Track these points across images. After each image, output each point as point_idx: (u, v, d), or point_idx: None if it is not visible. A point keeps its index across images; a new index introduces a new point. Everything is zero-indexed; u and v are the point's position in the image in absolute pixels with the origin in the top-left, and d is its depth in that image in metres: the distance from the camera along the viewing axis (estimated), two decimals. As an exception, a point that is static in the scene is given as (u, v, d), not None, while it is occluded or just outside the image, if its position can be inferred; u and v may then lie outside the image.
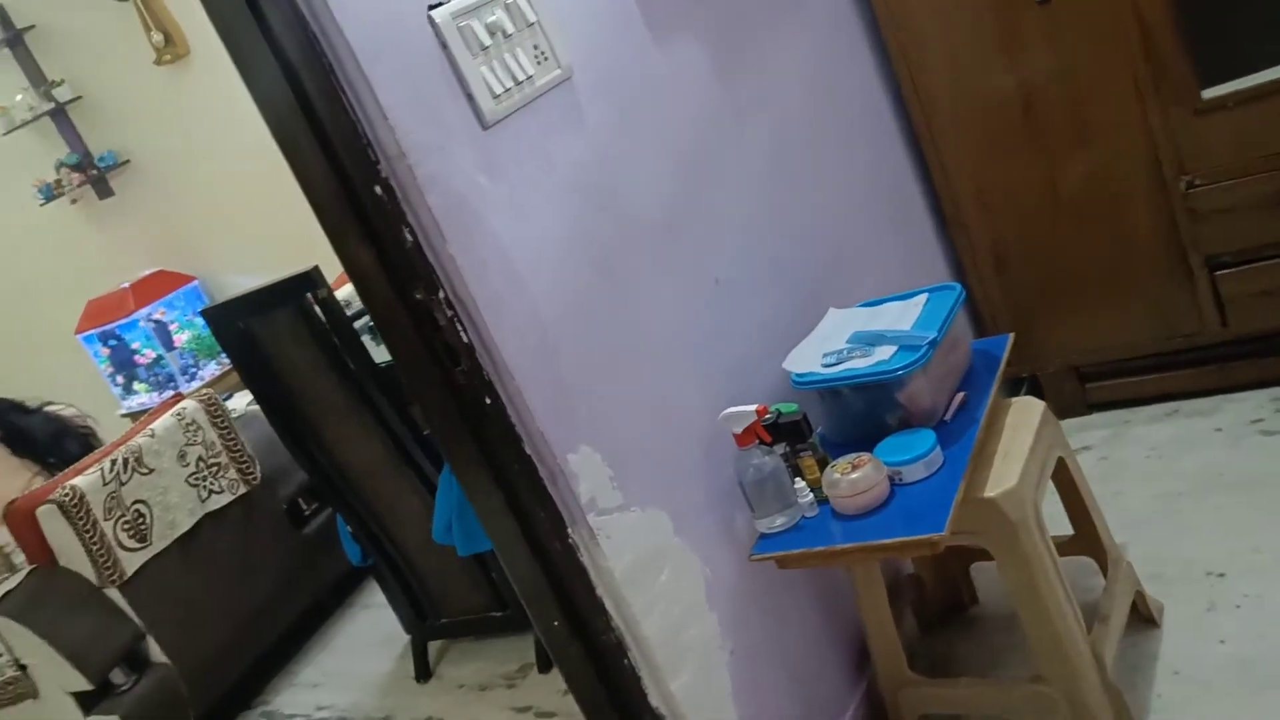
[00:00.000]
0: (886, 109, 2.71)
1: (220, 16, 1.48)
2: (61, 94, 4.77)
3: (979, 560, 2.35)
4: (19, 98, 4.84)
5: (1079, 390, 2.86)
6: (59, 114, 4.84)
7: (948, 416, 1.92)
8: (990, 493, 1.78)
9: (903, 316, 1.99)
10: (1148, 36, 2.36)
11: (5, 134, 4.94)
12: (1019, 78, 2.54)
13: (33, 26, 4.71)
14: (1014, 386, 2.90)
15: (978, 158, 2.68)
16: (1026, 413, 1.99)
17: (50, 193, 5.01)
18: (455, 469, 1.68)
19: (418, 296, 1.50)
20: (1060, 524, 2.10)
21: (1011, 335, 2.11)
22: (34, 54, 4.82)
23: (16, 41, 4.75)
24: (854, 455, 1.81)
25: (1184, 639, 2.08)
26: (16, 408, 3.23)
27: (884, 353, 1.88)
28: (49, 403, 3.36)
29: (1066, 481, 2.06)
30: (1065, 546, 2.09)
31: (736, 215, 2.08)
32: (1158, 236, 2.56)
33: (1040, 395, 2.79)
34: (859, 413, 1.91)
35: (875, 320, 2.02)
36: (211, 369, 4.96)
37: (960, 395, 1.96)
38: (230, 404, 3.66)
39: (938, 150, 2.71)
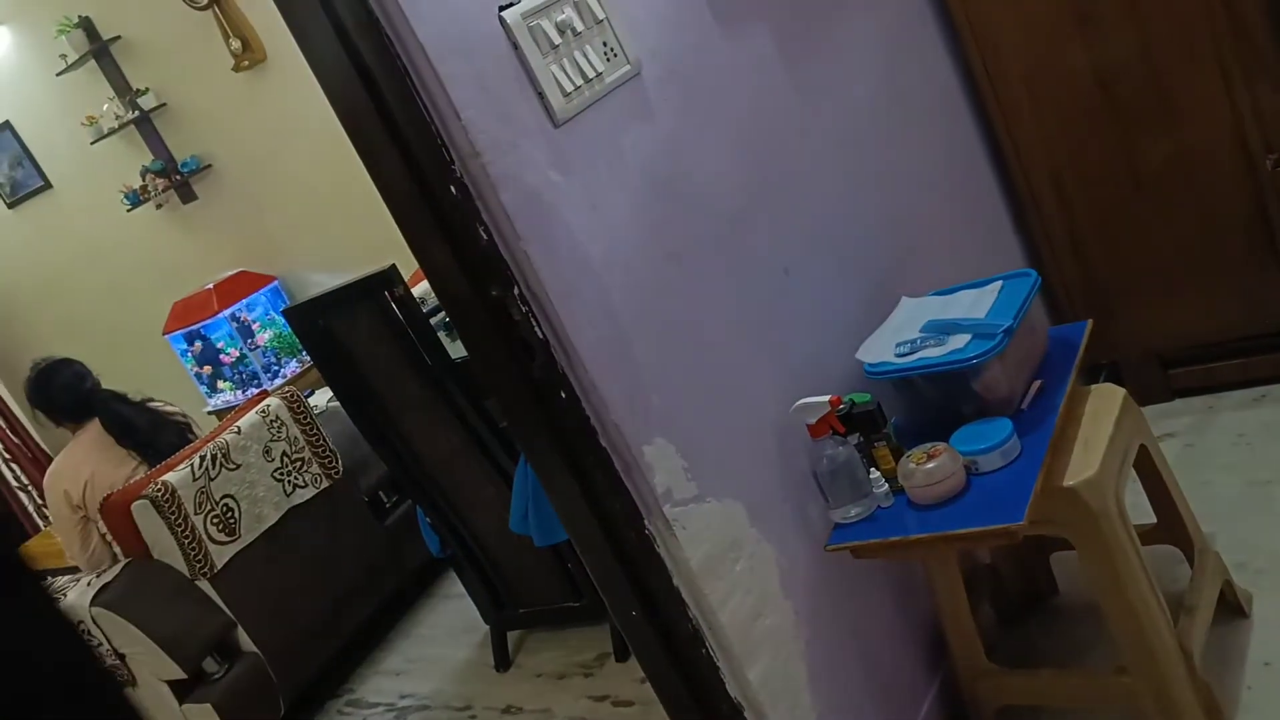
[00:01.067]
0: (957, 91, 2.68)
1: (296, 22, 1.53)
2: (146, 102, 4.92)
3: (1059, 550, 2.32)
4: (106, 107, 4.99)
5: (1162, 376, 2.80)
6: (144, 121, 4.99)
7: (1025, 405, 1.90)
8: (1070, 481, 1.76)
9: (977, 304, 1.97)
10: (1233, 11, 2.30)
11: (94, 143, 5.10)
12: (1095, 56, 2.49)
13: (118, 38, 4.86)
14: (1093, 373, 2.84)
15: (1054, 139, 2.63)
16: (1106, 400, 1.95)
17: (137, 198, 5.17)
18: (532, 462, 1.71)
19: (493, 293, 1.52)
20: (1144, 513, 2.06)
21: (1090, 321, 2.08)
22: (120, 64, 4.97)
23: (103, 53, 4.90)
24: (929, 445, 1.80)
25: (1274, 630, 2.03)
26: (121, 399, 3.35)
27: (958, 341, 1.86)
28: (150, 398, 3.48)
29: (1149, 470, 2.03)
30: (1149, 536, 2.05)
31: (806, 204, 2.07)
32: (1244, 217, 2.49)
33: (1121, 382, 2.73)
34: (933, 402, 1.90)
35: (949, 308, 2.00)
36: (293, 366, 5.08)
37: (1037, 383, 1.94)
38: (312, 400, 3.75)
39: (1011, 133, 2.67)
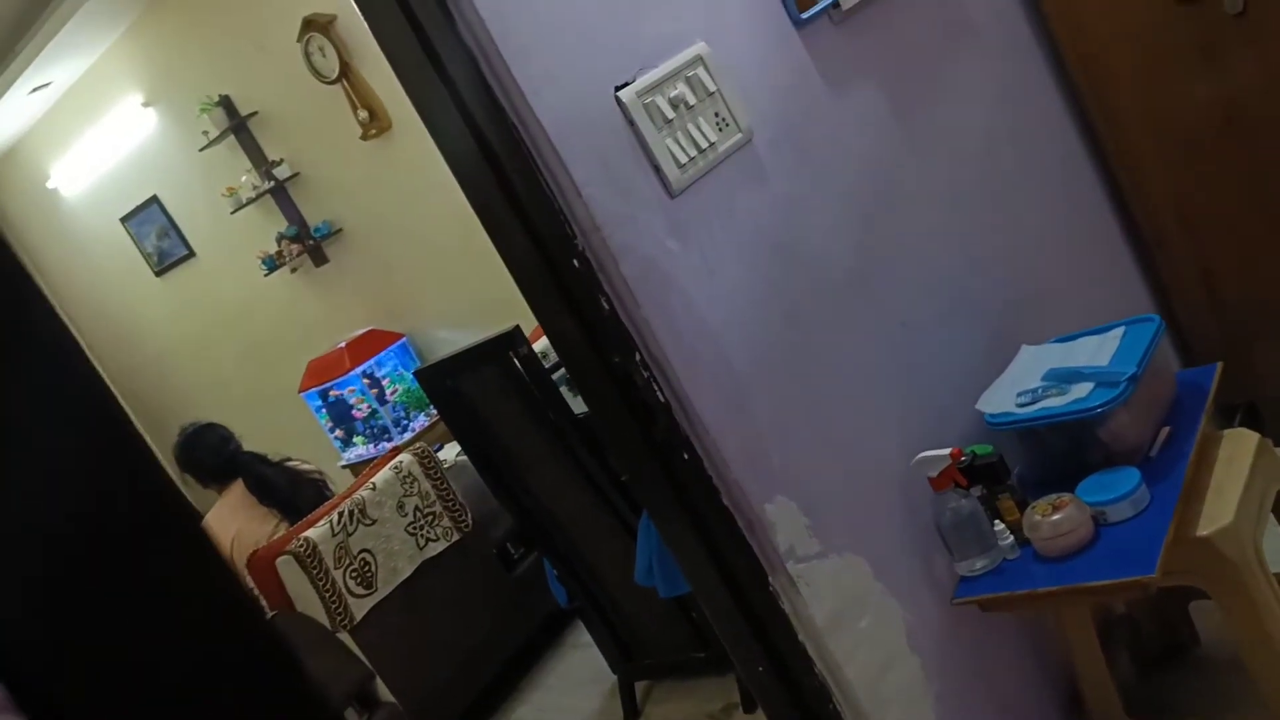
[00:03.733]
0: (1073, 132, 2.66)
1: (426, 111, 1.63)
2: (281, 172, 5.19)
3: (1199, 598, 2.25)
4: (244, 178, 5.29)
5: (1303, 416, 2.70)
6: (279, 190, 5.26)
7: (1153, 452, 1.87)
8: (1204, 531, 1.72)
9: (1099, 351, 1.95)
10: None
11: (233, 212, 5.40)
12: (1218, 89, 2.44)
13: (255, 113, 5.15)
14: (1229, 415, 2.76)
15: (1178, 175, 2.58)
16: (1241, 444, 1.91)
17: (273, 263, 5.44)
18: (656, 521, 1.76)
19: (616, 360, 1.59)
20: (1286, 560, 1.99)
21: (1220, 364, 2.03)
22: (256, 138, 5.26)
23: (241, 128, 5.20)
24: (1054, 496, 1.79)
25: None
26: (262, 460, 3.53)
27: (1081, 390, 1.85)
28: (288, 457, 3.66)
29: (1291, 516, 1.96)
30: (1293, 584, 1.98)
31: (921, 256, 2.09)
32: (1384, 249, 2.40)
33: (1259, 424, 2.64)
34: (1058, 452, 1.89)
35: (1070, 356, 1.99)
36: (421, 420, 5.25)
37: (1165, 429, 1.91)
38: (441, 455, 3.88)
39: (1132, 171, 2.63)
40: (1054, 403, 1.86)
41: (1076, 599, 1.77)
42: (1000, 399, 1.96)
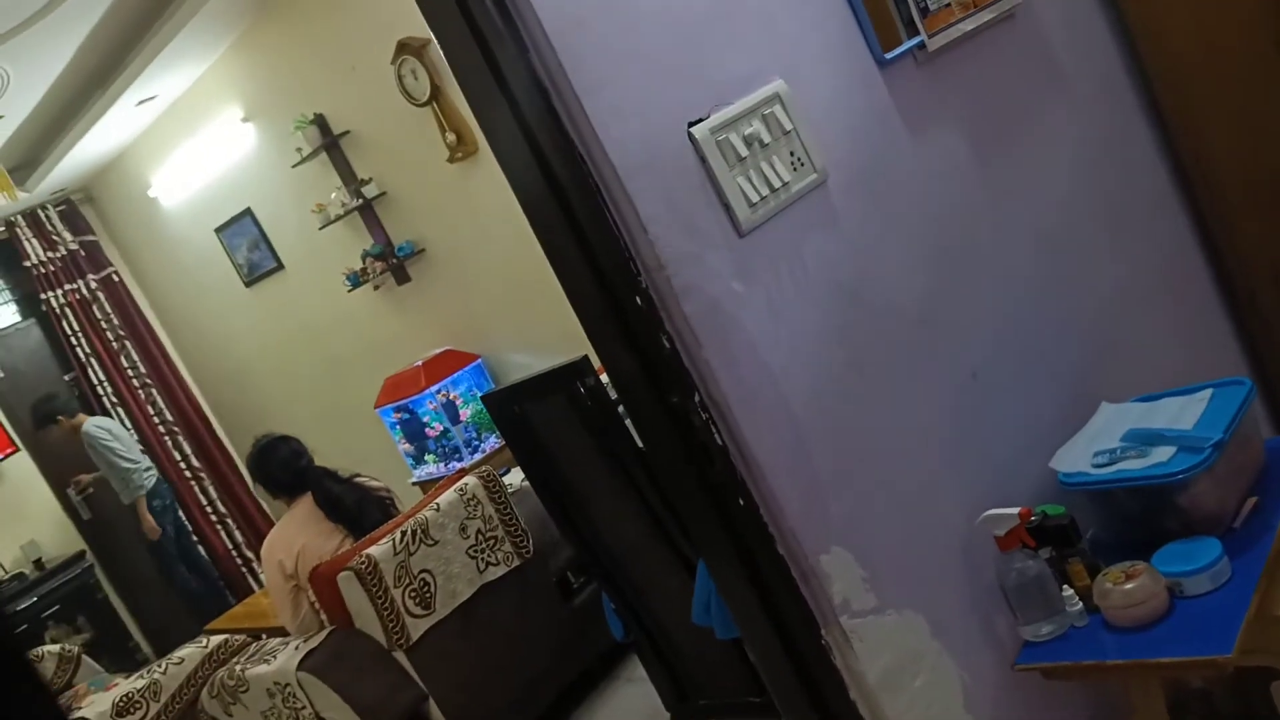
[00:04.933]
0: (1168, 186, 2.57)
1: (493, 134, 1.63)
2: (369, 191, 5.28)
3: (1281, 678, 2.14)
4: (333, 195, 5.40)
5: (1404, 488, 2.56)
6: (366, 209, 5.36)
7: (1237, 524, 1.78)
8: (1288, 611, 1.63)
9: (1183, 413, 1.87)
10: None
11: (321, 228, 5.52)
12: (1320, 147, 2.34)
13: (347, 132, 5.26)
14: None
15: (1274, 231, 2.47)
16: (1332, 520, 1.81)
17: (357, 280, 5.53)
18: (709, 565, 1.72)
19: (675, 400, 1.56)
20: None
21: (1314, 434, 1.94)
22: (347, 156, 5.37)
23: (333, 146, 5.31)
24: (1128, 563, 1.71)
25: None
26: (332, 476, 3.57)
27: (1162, 454, 1.77)
28: (357, 474, 3.69)
29: (1384, 599, 1.85)
30: (1385, 672, 1.87)
31: (996, 305, 2.03)
32: None
33: (1356, 494, 2.51)
34: (1134, 517, 1.81)
35: (1152, 417, 1.91)
36: (492, 441, 5.28)
37: (1252, 500, 1.82)
38: (507, 479, 3.88)
39: (1228, 229, 2.53)
40: (1133, 465, 1.78)
41: (1147, 674, 1.69)
42: (1075, 458, 1.89)
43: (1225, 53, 2.37)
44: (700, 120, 1.62)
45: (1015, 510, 1.75)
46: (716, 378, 1.55)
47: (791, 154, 1.72)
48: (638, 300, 1.54)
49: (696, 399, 1.56)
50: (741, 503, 1.58)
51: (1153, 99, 2.52)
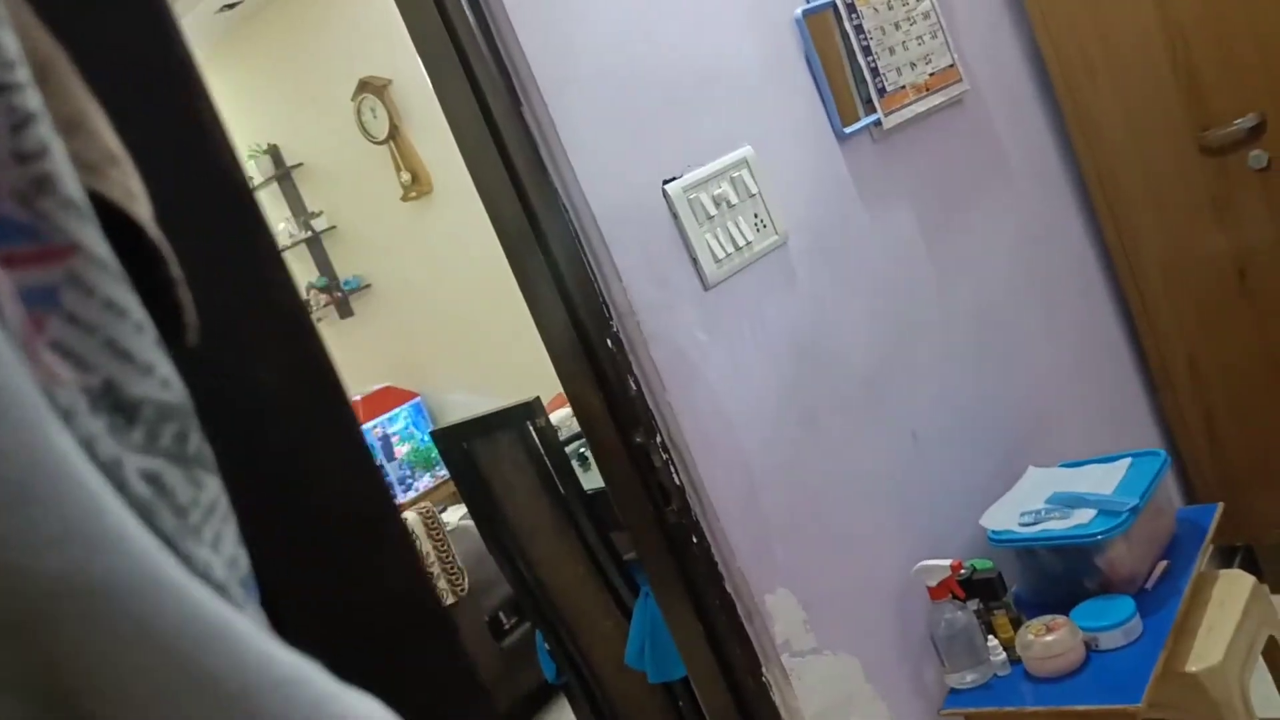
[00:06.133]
0: (1096, 272, 2.74)
1: (480, 178, 1.71)
2: (319, 224, 5.31)
3: (1183, 737, 2.26)
4: (282, 226, 5.41)
5: (1300, 565, 2.73)
6: (314, 241, 5.38)
7: (1149, 585, 1.90)
8: (1193, 668, 1.76)
9: (1105, 480, 2.00)
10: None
11: (267, 257, 5.52)
12: (1235, 243, 2.53)
13: (300, 164, 5.30)
14: (1229, 556, 2.79)
15: (1190, 323, 2.65)
16: (1235, 586, 1.95)
17: (300, 311, 5.54)
18: (659, 599, 1.80)
19: (637, 440, 1.65)
20: (1274, 706, 2.02)
21: (1220, 505, 2.08)
22: (299, 188, 5.40)
23: (285, 177, 5.34)
24: (1049, 617, 1.82)
25: None
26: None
27: (1083, 516, 1.89)
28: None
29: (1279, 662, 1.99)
30: (1277, 731, 2.00)
31: (936, 372, 2.15)
32: (1387, 410, 2.46)
33: (1256, 567, 2.68)
34: (1056, 574, 1.93)
35: (1076, 482, 2.04)
36: (426, 481, 5.29)
37: (1163, 564, 1.95)
38: (444, 516, 3.91)
39: (1148, 314, 2.70)
40: (1056, 525, 1.90)
41: (1063, 722, 1.79)
42: (1004, 517, 2.00)
43: (1150, 147, 2.55)
44: (674, 179, 1.73)
45: (947, 562, 1.86)
46: (679, 421, 1.64)
47: (755, 215, 1.83)
48: (609, 343, 1.62)
49: (658, 440, 1.64)
50: (695, 540, 1.66)
51: (1085, 188, 2.70)
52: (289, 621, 0.46)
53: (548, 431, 2.81)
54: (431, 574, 3.44)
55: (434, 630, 0.58)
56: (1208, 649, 1.79)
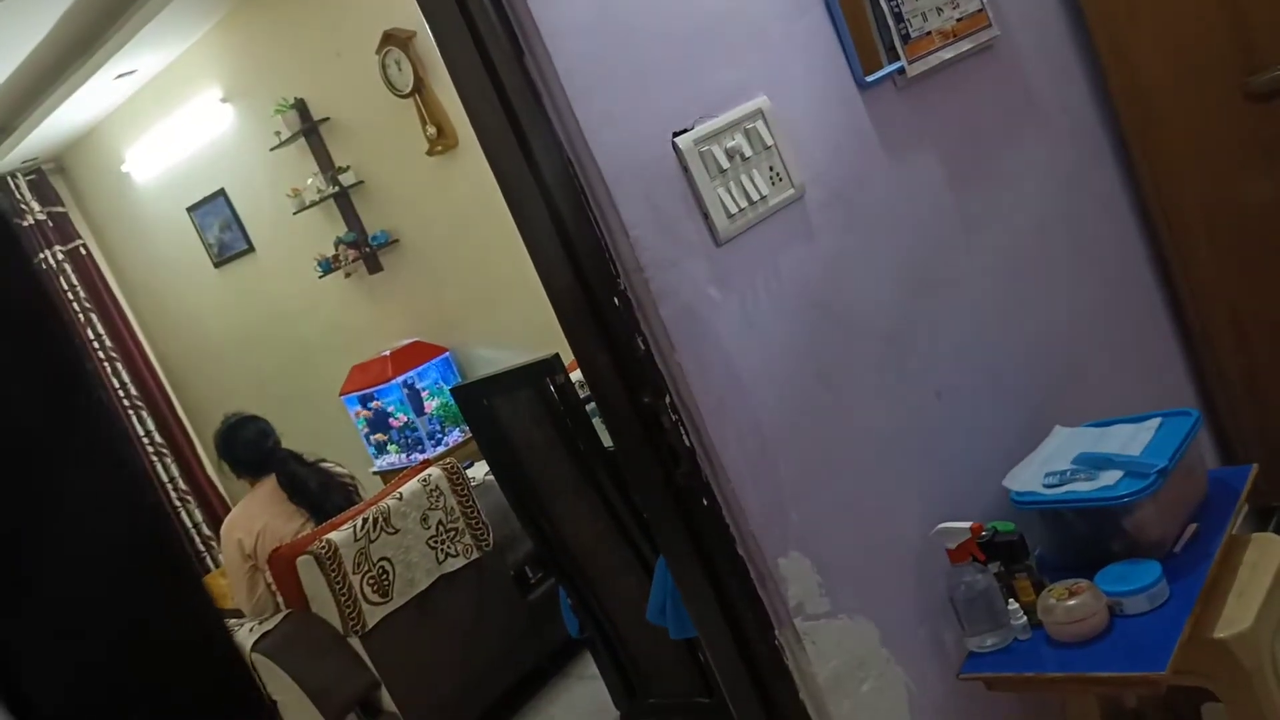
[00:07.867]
0: (1131, 223, 2.65)
1: (484, 131, 1.66)
2: (346, 179, 5.29)
3: (1211, 700, 2.21)
4: (310, 181, 5.39)
5: (1340, 526, 2.65)
6: (342, 197, 5.36)
7: (1177, 548, 1.85)
8: (1221, 634, 1.70)
9: (1133, 440, 1.94)
10: None
11: (295, 213, 5.51)
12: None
13: (327, 119, 5.26)
14: (1265, 519, 2.72)
15: (1232, 276, 2.56)
16: (1268, 549, 1.88)
17: (328, 266, 5.53)
18: (670, 563, 1.77)
19: (646, 400, 1.61)
20: (1305, 673, 1.96)
21: (1255, 466, 2.01)
22: (326, 143, 5.37)
23: (312, 132, 5.31)
24: (1072, 581, 1.77)
25: None
26: (297, 459, 3.59)
27: (1110, 477, 1.84)
28: (322, 459, 3.70)
29: (1313, 628, 1.93)
30: (1309, 698, 1.94)
31: (962, 328, 2.09)
32: None
33: (1294, 528, 2.61)
34: (1080, 537, 1.87)
35: (1103, 442, 1.98)
36: (455, 435, 5.29)
37: (1192, 527, 1.89)
38: (470, 472, 3.91)
39: (1187, 267, 2.61)
40: (1081, 487, 1.85)
41: (1084, 688, 1.75)
42: (1028, 478, 1.95)
43: (1193, 93, 2.45)
44: (685, 131, 1.67)
45: (967, 524, 1.81)
46: (688, 381, 1.60)
47: (771, 169, 1.77)
48: (616, 301, 1.58)
49: (667, 400, 1.60)
50: (705, 503, 1.63)
51: (1121, 135, 2.60)
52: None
53: (567, 389, 2.79)
54: (456, 529, 3.45)
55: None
56: (1237, 614, 1.73)
